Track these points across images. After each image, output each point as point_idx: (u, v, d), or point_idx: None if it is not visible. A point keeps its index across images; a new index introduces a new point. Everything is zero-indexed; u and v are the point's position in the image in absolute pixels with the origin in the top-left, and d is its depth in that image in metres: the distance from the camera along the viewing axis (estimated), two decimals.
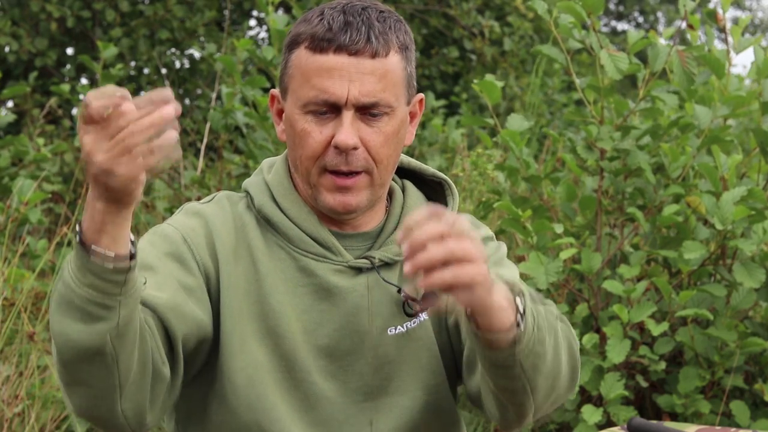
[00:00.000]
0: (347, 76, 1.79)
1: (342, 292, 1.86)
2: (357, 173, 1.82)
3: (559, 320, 1.79)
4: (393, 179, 1.97)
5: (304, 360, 1.84)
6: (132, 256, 1.58)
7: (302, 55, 1.81)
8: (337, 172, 1.82)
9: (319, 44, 1.79)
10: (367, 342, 1.86)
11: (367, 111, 1.81)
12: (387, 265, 1.89)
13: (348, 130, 1.79)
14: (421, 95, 1.92)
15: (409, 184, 1.98)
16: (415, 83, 1.90)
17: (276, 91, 1.91)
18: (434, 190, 2.00)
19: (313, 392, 1.84)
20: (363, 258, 1.88)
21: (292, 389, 1.85)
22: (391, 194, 1.96)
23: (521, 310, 1.65)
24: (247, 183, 1.94)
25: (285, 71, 1.85)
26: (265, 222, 1.88)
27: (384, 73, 1.81)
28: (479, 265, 1.51)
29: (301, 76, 1.81)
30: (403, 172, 2.00)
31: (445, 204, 1.97)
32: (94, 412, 1.67)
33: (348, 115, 1.80)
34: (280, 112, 1.90)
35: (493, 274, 1.62)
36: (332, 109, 1.80)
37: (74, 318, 1.59)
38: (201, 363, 1.84)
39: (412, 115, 1.90)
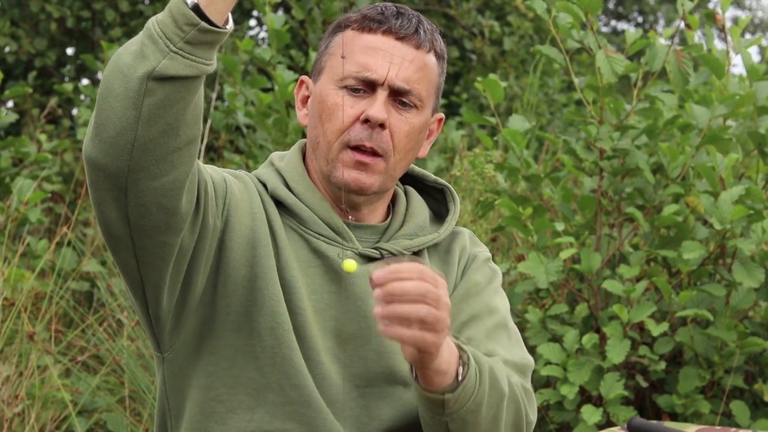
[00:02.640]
0: (389, 57, 1.87)
1: (351, 276, 1.90)
2: (377, 155, 1.87)
3: (509, 399, 1.85)
4: (396, 184, 2.02)
5: (313, 338, 1.87)
6: (212, 29, 1.62)
7: (348, 34, 1.89)
8: (358, 148, 1.87)
9: (369, 24, 1.88)
10: (373, 328, 1.89)
11: (399, 97, 1.88)
12: (394, 257, 1.94)
13: (380, 106, 1.86)
14: (442, 114, 1.99)
15: (411, 190, 2.04)
16: (440, 99, 1.97)
17: (306, 78, 1.97)
18: (434, 198, 2.05)
19: (320, 371, 1.87)
20: (372, 249, 1.93)
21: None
22: (394, 197, 2.01)
23: (460, 378, 1.73)
24: (257, 172, 1.98)
25: (324, 51, 1.92)
26: (278, 206, 1.93)
27: (423, 65, 1.89)
28: (441, 335, 1.64)
29: (344, 52, 1.87)
30: (406, 179, 2.06)
31: (447, 210, 2.03)
32: (103, 136, 1.66)
33: (382, 95, 1.87)
34: (305, 99, 1.96)
35: (462, 335, 1.82)
36: (368, 88, 1.87)
37: (131, 46, 1.64)
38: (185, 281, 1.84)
39: (430, 131, 1.98)
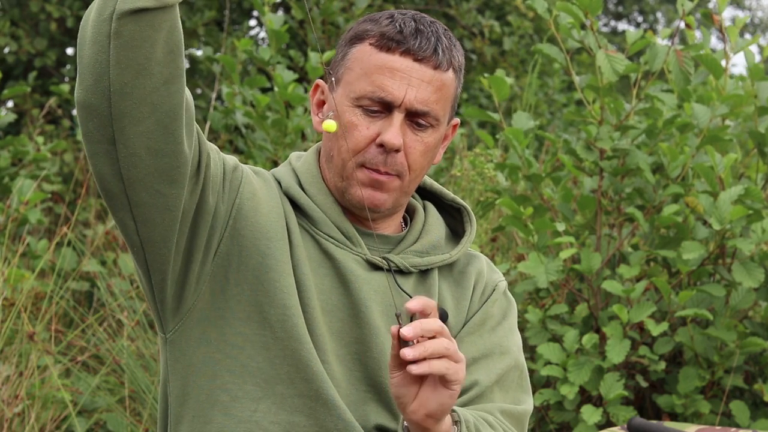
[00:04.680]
0: (407, 79, 1.85)
1: (358, 280, 1.90)
2: (391, 174, 1.88)
3: None
4: (414, 198, 2.04)
5: (321, 337, 1.87)
6: None
7: (366, 50, 1.87)
8: (373, 169, 1.87)
9: (387, 43, 1.86)
10: (374, 337, 1.90)
11: (415, 118, 1.88)
12: (401, 272, 1.94)
13: (396, 131, 1.85)
14: (457, 120, 1.98)
15: (430, 206, 2.04)
16: (456, 108, 1.96)
17: (321, 82, 1.96)
18: (452, 216, 2.06)
19: (327, 370, 1.87)
20: (381, 258, 1.93)
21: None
22: (412, 211, 2.02)
23: None
24: (275, 170, 1.99)
25: (341, 63, 1.90)
26: (292, 205, 1.93)
27: (440, 86, 1.88)
28: (456, 393, 1.69)
29: (360, 69, 1.86)
30: (424, 195, 2.06)
31: (463, 230, 2.03)
32: (85, 84, 1.66)
33: (399, 117, 1.86)
34: (320, 103, 1.96)
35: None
36: (384, 109, 1.86)
37: None
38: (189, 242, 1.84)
39: (445, 137, 1.97)
